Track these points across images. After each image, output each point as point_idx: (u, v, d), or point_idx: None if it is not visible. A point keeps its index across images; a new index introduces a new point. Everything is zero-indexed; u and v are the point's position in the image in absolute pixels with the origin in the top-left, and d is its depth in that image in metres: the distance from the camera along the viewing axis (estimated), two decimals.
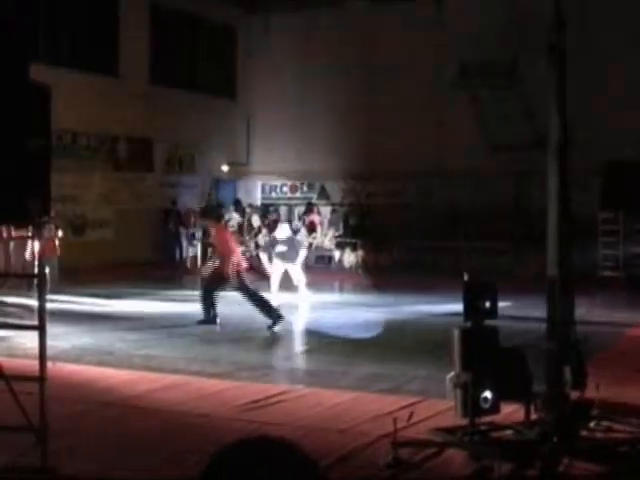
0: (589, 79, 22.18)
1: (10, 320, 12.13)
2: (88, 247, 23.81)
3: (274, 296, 17.67)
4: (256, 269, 21.75)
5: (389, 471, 6.40)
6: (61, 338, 11.96)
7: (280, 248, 17.96)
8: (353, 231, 27.37)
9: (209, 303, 14.22)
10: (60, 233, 18.40)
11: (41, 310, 6.20)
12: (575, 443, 6.92)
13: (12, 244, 18.33)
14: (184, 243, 26.59)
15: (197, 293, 14.88)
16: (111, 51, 26.06)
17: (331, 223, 28.29)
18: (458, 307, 7.39)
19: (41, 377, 6.10)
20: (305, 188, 30.49)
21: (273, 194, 31.05)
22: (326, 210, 29.03)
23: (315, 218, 28.24)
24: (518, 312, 13.94)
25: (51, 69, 19.97)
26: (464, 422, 7.04)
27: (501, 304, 7.46)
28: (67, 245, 19.19)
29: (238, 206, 27.80)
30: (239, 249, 15.06)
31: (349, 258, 26.55)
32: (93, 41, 25.42)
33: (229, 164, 30.44)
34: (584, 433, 7.18)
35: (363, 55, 27.96)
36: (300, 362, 12.00)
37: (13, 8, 5.98)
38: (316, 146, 28.58)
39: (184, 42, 29.45)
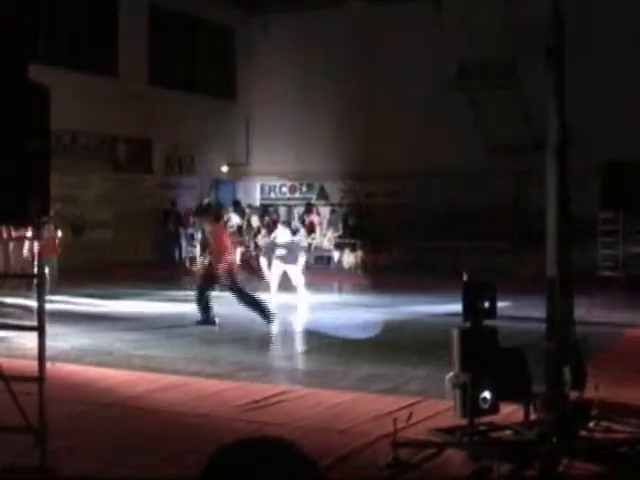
0: (588, 79, 22.17)
1: (9, 321, 12.12)
2: (87, 247, 23.82)
3: (273, 297, 17.70)
4: (255, 269, 21.79)
5: (389, 471, 6.41)
6: (60, 338, 11.96)
7: (280, 252, 17.99)
8: (352, 231, 27.36)
9: (204, 303, 14.22)
10: (59, 233, 18.40)
11: (40, 311, 6.20)
12: (574, 443, 6.93)
13: (11, 244, 18.33)
14: (183, 244, 26.60)
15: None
16: (110, 52, 26.06)
17: (330, 223, 28.29)
18: (457, 307, 7.40)
19: (40, 377, 6.10)
20: (304, 188, 30.50)
21: (272, 194, 31.06)
22: (325, 210, 29.04)
23: (314, 218, 28.26)
24: (517, 312, 13.96)
25: (50, 69, 19.95)
26: (463, 422, 7.04)
27: (500, 304, 7.47)
28: (66, 245, 19.20)
29: (237, 207, 27.81)
30: (233, 248, 15.08)
31: (348, 258, 26.54)
32: (92, 42, 25.43)
33: (228, 165, 30.45)
34: (583, 433, 7.19)
35: (362, 56, 27.94)
36: (299, 362, 12.01)
37: (13, 8, 5.98)
38: (315, 146, 28.58)
39: (183, 43, 29.46)
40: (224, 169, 30.30)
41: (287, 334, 14.96)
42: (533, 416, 7.21)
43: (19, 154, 5.85)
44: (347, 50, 28.15)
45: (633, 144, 21.90)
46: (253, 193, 31.11)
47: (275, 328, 13.95)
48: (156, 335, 13.34)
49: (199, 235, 25.21)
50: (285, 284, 18.06)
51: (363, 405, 8.46)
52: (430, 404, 8.19)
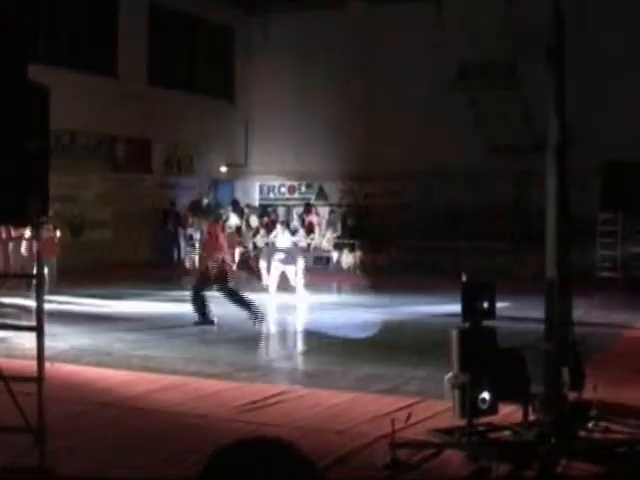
0: (589, 79, 22.19)
1: (8, 321, 12.11)
2: (86, 247, 23.82)
3: (272, 297, 17.72)
4: (254, 269, 21.79)
5: (387, 472, 6.41)
6: (60, 339, 11.95)
7: (280, 256, 18.00)
8: (351, 232, 27.36)
9: (200, 303, 14.20)
10: (58, 233, 18.40)
11: (39, 311, 6.20)
12: (573, 444, 6.93)
13: (11, 244, 18.33)
14: (182, 244, 26.59)
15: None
16: (110, 52, 26.06)
17: (329, 224, 28.29)
18: (457, 308, 7.40)
19: (39, 378, 6.10)
20: (303, 189, 30.50)
21: (271, 195, 31.06)
22: (324, 211, 29.04)
23: (313, 219, 28.25)
24: (517, 313, 13.97)
25: (50, 69, 19.95)
26: (462, 423, 7.04)
27: (500, 304, 7.47)
28: (66, 245, 19.20)
29: (236, 207, 27.79)
30: (229, 248, 15.09)
31: (347, 259, 26.55)
32: (92, 42, 25.43)
33: (227, 165, 30.44)
34: (582, 434, 7.19)
35: (362, 56, 27.95)
36: (298, 363, 12.01)
37: (13, 8, 5.98)
38: (314, 146, 28.59)
39: (183, 43, 29.46)
40: (223, 169, 30.30)
41: (286, 334, 14.98)
42: (532, 417, 7.21)
43: (19, 154, 5.85)
44: (347, 50, 28.15)
45: (633, 144, 21.91)
46: (252, 193, 31.11)
47: (274, 328, 13.94)
48: (155, 335, 13.34)
49: (198, 235, 25.21)
50: (284, 284, 18.07)
51: (362, 405, 8.46)
52: (429, 404, 8.20)
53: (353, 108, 27.82)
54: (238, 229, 26.06)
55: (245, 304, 14.11)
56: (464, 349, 7.11)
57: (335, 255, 26.95)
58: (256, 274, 20.78)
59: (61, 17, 24.33)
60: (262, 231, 25.49)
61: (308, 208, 28.78)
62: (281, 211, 29.50)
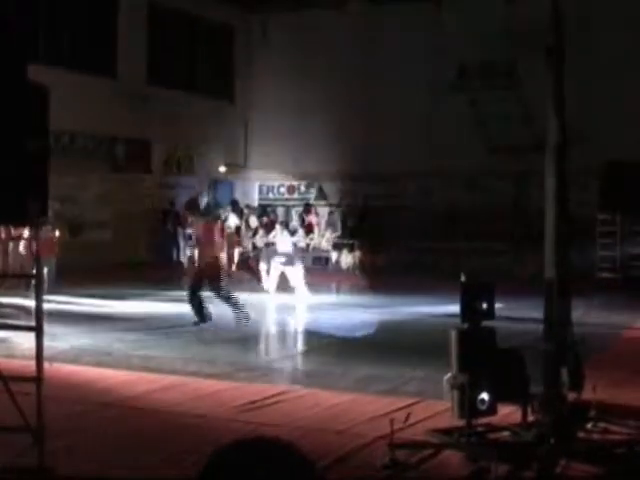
0: (588, 79, 22.20)
1: (8, 321, 12.11)
2: (86, 247, 23.79)
3: (272, 297, 17.73)
4: (253, 269, 21.79)
5: (386, 472, 6.41)
6: (59, 338, 11.96)
7: (281, 259, 18.01)
8: (351, 232, 27.35)
9: (197, 303, 14.20)
10: (57, 233, 18.41)
11: (38, 311, 6.20)
12: (572, 445, 6.93)
13: (11, 244, 18.34)
14: (182, 244, 26.57)
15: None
16: (109, 52, 26.06)
17: (329, 224, 28.29)
18: (456, 308, 7.40)
19: (38, 377, 6.10)
20: (303, 189, 30.50)
21: (270, 195, 31.06)
22: (324, 211, 29.03)
23: (313, 219, 28.25)
24: (516, 313, 13.95)
25: (49, 69, 19.94)
26: (461, 423, 7.05)
27: (499, 305, 7.48)
28: (65, 245, 19.19)
29: (235, 207, 27.79)
30: (224, 247, 15.12)
31: (346, 259, 26.54)
32: (91, 42, 25.43)
33: (227, 165, 30.44)
34: (581, 435, 7.19)
35: (362, 56, 27.95)
36: (298, 363, 12.01)
37: (13, 8, 5.98)
38: (314, 147, 28.58)
39: (182, 42, 29.45)
40: (222, 169, 30.30)
41: (285, 334, 14.98)
42: (531, 417, 7.22)
43: (19, 154, 5.86)
44: (347, 50, 28.17)
45: (633, 144, 21.97)
46: (251, 193, 31.11)
47: (274, 328, 13.93)
48: (155, 335, 13.35)
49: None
50: (284, 285, 18.07)
51: (361, 406, 8.46)
52: (428, 405, 8.20)
53: (353, 108, 27.82)
54: (237, 229, 26.08)
55: (234, 305, 14.12)
56: (463, 349, 7.11)
57: (334, 255, 26.94)
58: (256, 274, 20.77)
59: (61, 17, 24.34)
60: (261, 231, 25.49)
61: (307, 208, 28.77)
62: (280, 211, 29.49)
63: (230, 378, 10.01)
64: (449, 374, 7.14)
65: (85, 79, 24.35)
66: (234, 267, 25.18)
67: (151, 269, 24.06)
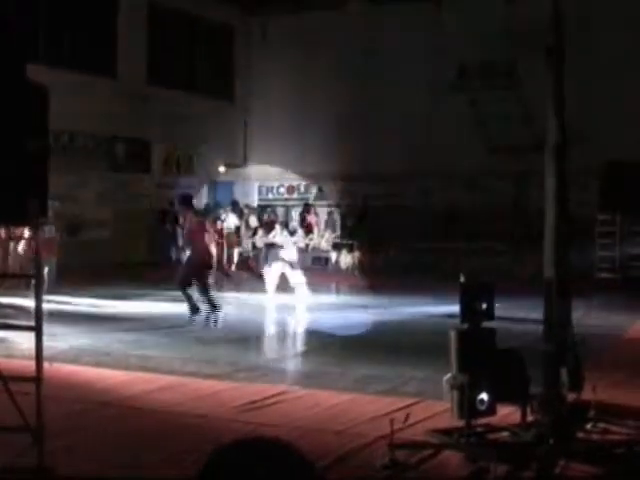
0: (588, 79, 22.21)
1: (7, 321, 12.10)
2: (85, 247, 23.79)
3: (271, 297, 17.72)
4: (253, 270, 21.78)
5: (385, 472, 6.41)
6: (59, 339, 11.94)
7: (284, 264, 18.02)
8: (350, 232, 27.34)
9: (188, 296, 14.31)
10: (58, 234, 18.40)
11: (38, 311, 6.19)
12: (571, 445, 6.93)
13: (11, 244, 18.32)
14: (181, 244, 26.54)
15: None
16: (109, 52, 26.06)
17: (328, 224, 28.28)
18: (456, 308, 7.40)
19: (38, 377, 6.09)
20: (302, 189, 30.49)
21: (270, 195, 31.06)
22: (323, 211, 29.02)
23: (312, 219, 28.24)
24: (516, 313, 13.95)
25: (49, 69, 19.96)
26: (460, 424, 7.05)
27: (499, 305, 7.47)
28: (64, 245, 19.18)
29: (235, 207, 27.77)
30: (213, 244, 15.21)
31: (346, 259, 26.54)
32: (91, 42, 25.43)
33: (226, 165, 30.43)
34: (580, 435, 7.19)
35: (362, 56, 27.95)
36: (297, 363, 12.01)
37: (13, 8, 5.98)
38: (314, 147, 28.57)
39: (182, 43, 29.46)
40: (222, 169, 30.29)
41: (285, 335, 14.98)
42: (530, 418, 7.22)
43: (18, 154, 5.85)
44: (347, 50, 28.16)
45: (633, 144, 21.99)
46: (251, 193, 31.11)
47: (273, 329, 13.92)
48: (154, 335, 13.34)
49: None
50: (284, 285, 18.07)
51: (360, 406, 8.46)
52: (427, 405, 8.19)
53: (353, 108, 27.83)
54: (237, 229, 26.08)
55: (212, 305, 14.19)
56: (463, 350, 7.11)
57: (334, 255, 26.94)
58: (256, 274, 20.77)
59: (61, 17, 24.34)
60: (261, 231, 25.48)
61: (307, 208, 28.76)
62: (280, 211, 29.48)
63: (230, 378, 10.01)
64: (449, 374, 7.14)
65: (85, 79, 24.35)
66: (234, 267, 25.21)
67: (150, 269, 24.05)
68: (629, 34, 24.07)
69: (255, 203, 30.35)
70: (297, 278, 17.88)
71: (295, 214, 29.26)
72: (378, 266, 25.45)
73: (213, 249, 14.91)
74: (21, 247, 17.66)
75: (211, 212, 26.98)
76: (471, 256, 23.28)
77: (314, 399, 8.79)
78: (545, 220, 7.55)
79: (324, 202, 29.70)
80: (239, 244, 25.88)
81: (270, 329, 15.44)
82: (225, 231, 25.54)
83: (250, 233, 25.99)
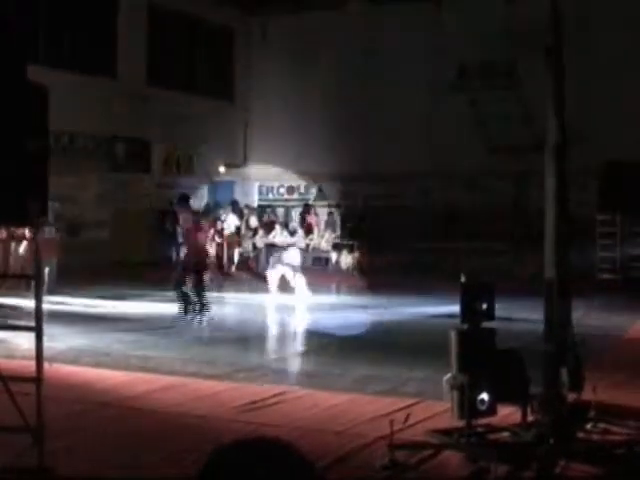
0: (588, 79, 22.21)
1: (7, 321, 12.10)
2: (85, 248, 23.76)
3: (271, 297, 17.73)
4: (253, 270, 21.79)
5: (385, 473, 6.41)
6: (58, 339, 11.94)
7: (287, 268, 18.03)
8: (350, 232, 27.33)
9: (183, 296, 14.34)
10: (59, 234, 18.40)
11: (38, 311, 6.19)
12: (572, 445, 6.93)
13: (12, 245, 18.32)
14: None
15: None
16: (109, 52, 26.05)
17: (328, 224, 28.27)
18: (456, 309, 7.40)
19: (38, 378, 6.10)
20: (302, 189, 30.48)
21: (270, 195, 31.04)
22: (323, 211, 29.01)
23: (312, 219, 28.23)
24: (516, 313, 13.95)
25: (49, 70, 19.96)
26: (461, 424, 7.04)
27: (499, 305, 7.47)
28: (64, 246, 19.17)
29: (235, 207, 27.77)
30: (210, 243, 15.27)
31: (346, 260, 26.52)
32: (91, 42, 25.42)
33: (226, 165, 30.42)
34: (581, 435, 7.19)
35: (362, 56, 27.94)
36: (297, 363, 12.01)
37: (13, 8, 5.98)
38: (314, 147, 28.56)
39: (182, 43, 29.45)
40: (222, 170, 30.29)
41: (285, 335, 14.98)
42: (530, 418, 7.21)
43: (19, 154, 5.85)
44: (347, 50, 28.17)
45: (633, 144, 21.98)
46: (251, 194, 31.09)
47: (273, 329, 13.91)
48: (154, 336, 13.34)
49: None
50: (284, 285, 18.07)
51: (360, 406, 8.45)
52: (427, 405, 8.19)
53: (353, 108, 27.82)
54: (237, 230, 26.08)
55: (203, 305, 14.24)
56: (463, 350, 7.11)
57: (334, 256, 26.93)
58: (255, 275, 20.77)
59: (61, 17, 24.33)
60: (261, 232, 25.49)
61: (307, 209, 28.75)
62: (280, 212, 29.48)
63: (230, 379, 10.01)
64: (449, 375, 7.14)
65: (85, 79, 24.35)
66: (234, 267, 25.22)
67: (150, 269, 24.03)
68: (628, 34, 24.06)
69: (255, 203, 30.33)
70: (298, 281, 17.90)
71: (295, 214, 29.22)
72: (378, 266, 25.43)
73: (211, 249, 14.94)
74: (22, 248, 17.66)
75: (211, 212, 27.01)
76: (471, 256, 23.26)
77: (314, 399, 8.79)
78: (545, 220, 7.54)
79: (324, 202, 29.67)
80: (239, 244, 25.87)
81: (270, 329, 15.44)
82: (225, 231, 25.55)
83: (250, 233, 26.00)
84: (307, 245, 25.49)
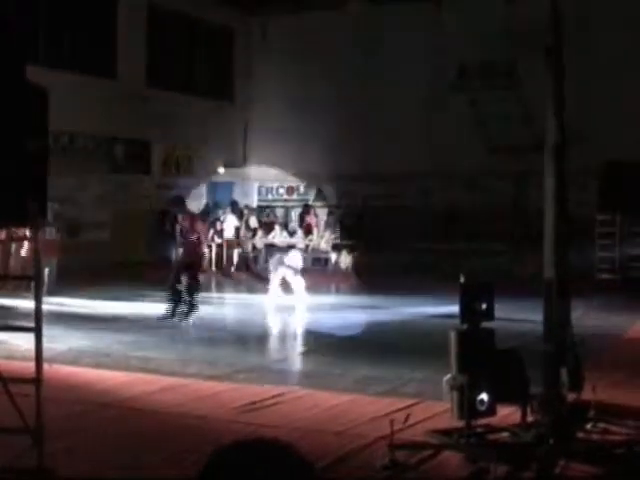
0: (588, 79, 22.20)
1: (7, 322, 12.10)
2: (85, 248, 23.75)
3: (271, 298, 17.72)
4: (253, 270, 21.79)
5: (385, 473, 6.41)
6: (58, 340, 11.94)
7: (288, 271, 18.02)
8: (350, 233, 27.31)
9: (176, 297, 14.35)
10: (59, 235, 18.40)
11: (37, 312, 6.19)
12: (571, 445, 6.93)
13: (13, 245, 18.31)
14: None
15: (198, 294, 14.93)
16: (109, 53, 26.04)
17: (328, 225, 28.24)
18: (455, 309, 7.40)
19: (37, 379, 6.09)
20: (302, 190, 30.46)
21: (270, 196, 31.00)
22: (323, 212, 28.99)
23: (312, 220, 28.21)
24: (516, 313, 13.94)
25: (49, 70, 19.95)
26: (460, 424, 7.05)
27: (498, 305, 7.47)
28: (64, 246, 19.17)
29: (235, 208, 27.76)
30: (205, 241, 15.31)
31: (346, 260, 26.50)
32: (91, 43, 25.40)
33: (226, 166, 30.40)
34: (580, 435, 7.20)
35: (362, 56, 27.92)
36: (297, 364, 12.02)
37: (13, 8, 5.98)
38: (313, 148, 28.52)
39: (182, 44, 29.43)
40: (221, 170, 30.27)
41: (285, 335, 14.98)
42: (530, 418, 7.22)
43: (18, 154, 5.85)
44: (347, 50, 28.14)
45: (633, 144, 21.97)
46: (251, 194, 31.06)
47: (273, 329, 13.90)
48: (154, 336, 13.33)
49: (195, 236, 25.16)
50: (284, 286, 18.06)
51: (360, 407, 8.46)
52: (427, 406, 8.20)
53: (352, 108, 27.81)
54: (237, 230, 26.07)
55: (191, 304, 14.28)
56: (462, 350, 7.11)
57: (334, 256, 26.90)
58: (255, 275, 20.77)
59: (61, 18, 24.32)
60: (260, 232, 25.50)
61: (306, 209, 28.73)
62: (280, 212, 29.47)
63: (230, 379, 10.02)
64: (448, 375, 7.15)
65: (85, 79, 24.33)
66: (233, 268, 25.22)
67: (150, 270, 24.02)
68: (628, 34, 24.05)
69: (255, 204, 30.31)
70: (297, 283, 17.90)
71: (295, 215, 29.21)
72: (378, 267, 25.40)
73: (205, 249, 14.94)
74: (24, 250, 17.61)
75: (211, 213, 27.01)
76: (471, 256, 23.24)
77: (314, 400, 8.79)
78: (545, 220, 7.55)
79: (324, 203, 29.65)
80: (239, 245, 25.87)
81: (270, 330, 15.42)
82: (225, 232, 25.56)
83: (250, 234, 25.99)
84: (307, 246, 25.50)
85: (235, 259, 25.58)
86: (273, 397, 8.81)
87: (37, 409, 6.04)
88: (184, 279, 14.37)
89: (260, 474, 4.42)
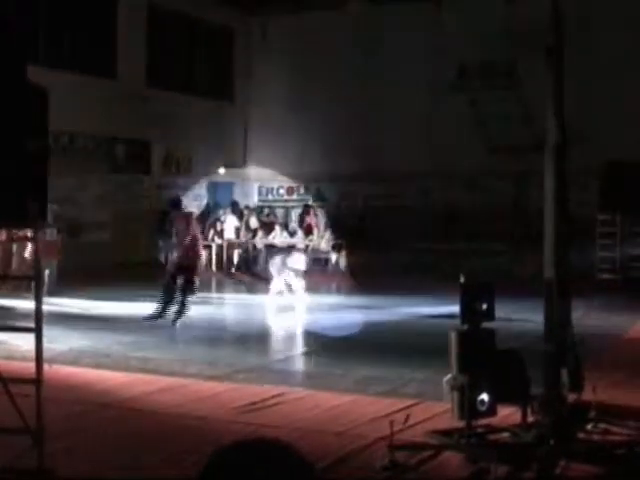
0: (588, 79, 22.21)
1: (7, 322, 12.09)
2: (85, 249, 23.75)
3: (271, 298, 17.72)
4: (253, 271, 21.78)
5: (386, 473, 6.41)
6: (58, 340, 11.93)
7: (290, 273, 18.02)
8: (350, 233, 27.27)
9: (168, 298, 14.35)
10: (60, 236, 18.38)
11: (37, 312, 6.19)
12: (572, 445, 6.93)
13: (14, 246, 18.29)
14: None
15: (196, 296, 14.92)
16: (109, 53, 26.03)
17: (328, 225, 28.21)
18: (456, 309, 7.39)
19: (38, 379, 6.09)
20: (302, 190, 30.45)
21: (270, 196, 31.00)
22: (323, 212, 28.95)
23: (312, 220, 28.19)
24: (516, 313, 13.94)
25: (49, 70, 19.95)
26: (461, 425, 7.04)
27: (499, 305, 7.46)
28: (64, 247, 19.16)
29: (235, 208, 27.75)
30: (201, 244, 15.31)
31: (341, 260, 26.46)
32: (91, 43, 25.39)
33: (226, 166, 30.39)
34: (581, 435, 7.19)
35: (362, 56, 27.92)
36: (297, 364, 12.01)
37: (13, 8, 5.98)
38: (313, 148, 28.54)
39: (182, 44, 29.42)
40: (221, 170, 30.27)
41: (285, 336, 14.96)
42: (531, 418, 7.21)
43: (19, 154, 5.84)
44: (347, 51, 28.15)
45: (633, 144, 21.98)
46: (251, 194, 31.07)
47: (274, 330, 13.89)
48: (153, 337, 13.33)
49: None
50: (284, 286, 18.06)
51: (361, 407, 8.45)
52: (427, 406, 8.19)
53: (353, 108, 27.81)
54: (237, 230, 26.07)
55: (183, 305, 14.27)
56: (463, 351, 7.11)
57: (334, 257, 26.88)
58: (255, 275, 20.76)
59: (61, 18, 24.31)
60: (260, 232, 25.48)
61: (306, 209, 28.70)
62: (280, 212, 29.46)
63: (230, 379, 10.01)
64: (449, 375, 7.14)
65: (85, 80, 24.33)
66: (233, 268, 25.22)
67: (150, 270, 24.01)
68: (629, 34, 24.05)
69: (255, 204, 30.30)
70: (298, 284, 17.91)
71: (295, 215, 29.19)
72: (378, 267, 25.39)
73: (202, 251, 14.88)
74: (28, 251, 17.55)
75: (211, 213, 27.02)
76: (471, 256, 23.23)
77: (314, 400, 8.78)
78: (545, 220, 7.54)
79: (324, 203, 29.62)
80: (239, 245, 25.87)
81: (270, 330, 15.41)
82: (225, 233, 25.55)
83: (250, 234, 25.98)
84: (307, 246, 25.49)
85: (235, 259, 25.57)
86: (273, 397, 8.80)
87: (37, 409, 6.04)
88: (179, 281, 14.34)
89: (260, 474, 4.42)
